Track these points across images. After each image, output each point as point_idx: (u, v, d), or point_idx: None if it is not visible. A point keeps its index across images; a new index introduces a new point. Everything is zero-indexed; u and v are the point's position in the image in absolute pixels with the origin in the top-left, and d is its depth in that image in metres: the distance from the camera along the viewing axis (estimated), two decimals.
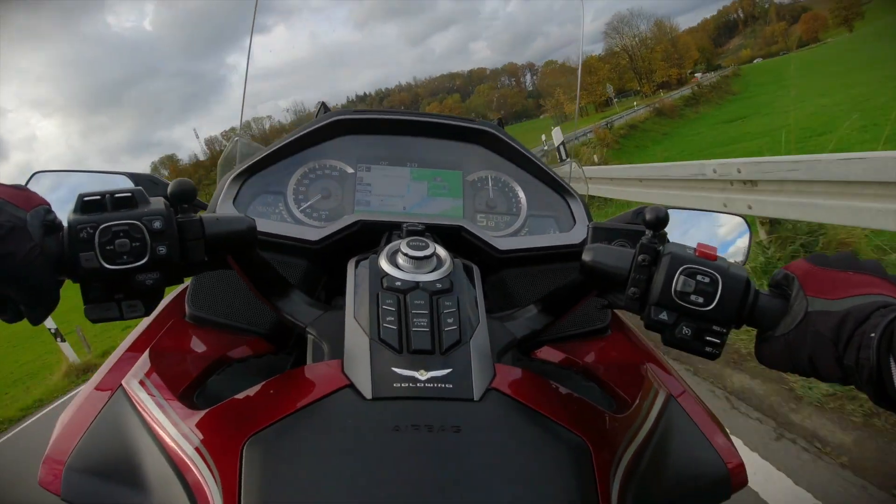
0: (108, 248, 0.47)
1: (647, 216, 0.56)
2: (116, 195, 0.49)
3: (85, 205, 0.48)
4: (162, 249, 0.49)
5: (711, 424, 0.67)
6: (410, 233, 0.68)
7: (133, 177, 1.01)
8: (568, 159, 1.14)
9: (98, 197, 0.48)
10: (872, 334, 0.44)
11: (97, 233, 0.47)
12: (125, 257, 0.48)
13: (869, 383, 0.44)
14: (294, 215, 0.88)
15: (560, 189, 0.95)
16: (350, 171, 0.91)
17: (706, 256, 0.53)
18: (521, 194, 0.95)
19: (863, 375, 0.44)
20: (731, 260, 0.55)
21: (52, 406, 6.41)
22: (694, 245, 0.55)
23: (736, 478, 0.62)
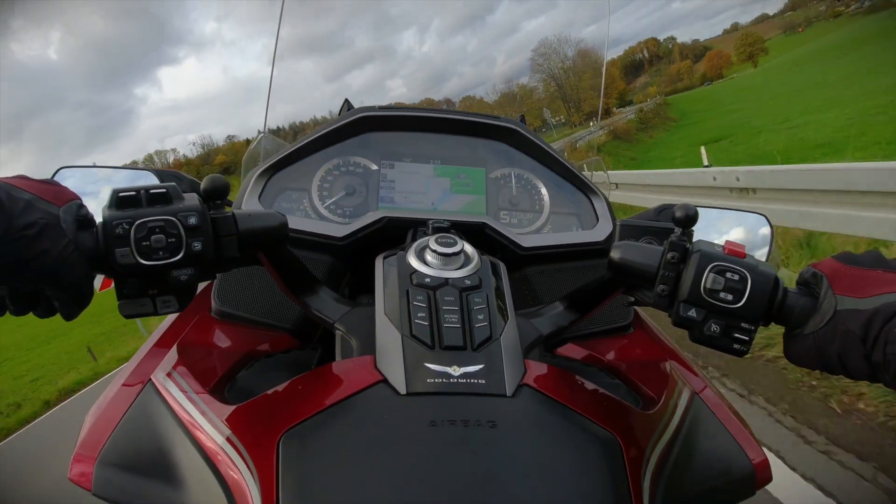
0: (143, 243, 0.47)
1: (677, 214, 0.56)
2: (152, 191, 0.49)
3: (120, 200, 0.48)
4: (197, 245, 0.49)
5: (735, 421, 0.67)
6: (437, 230, 0.68)
7: (158, 173, 1.03)
8: (593, 157, 1.15)
9: (133, 193, 0.48)
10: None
11: (133, 228, 0.47)
12: (161, 253, 0.48)
13: (893, 377, 0.44)
14: (319, 211, 0.89)
15: (583, 186, 0.94)
16: (374, 167, 0.92)
17: (735, 254, 0.53)
18: (544, 191, 0.95)
19: (890, 371, 0.44)
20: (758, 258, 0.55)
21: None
22: (720, 243, 0.55)
23: (760, 474, 0.62)
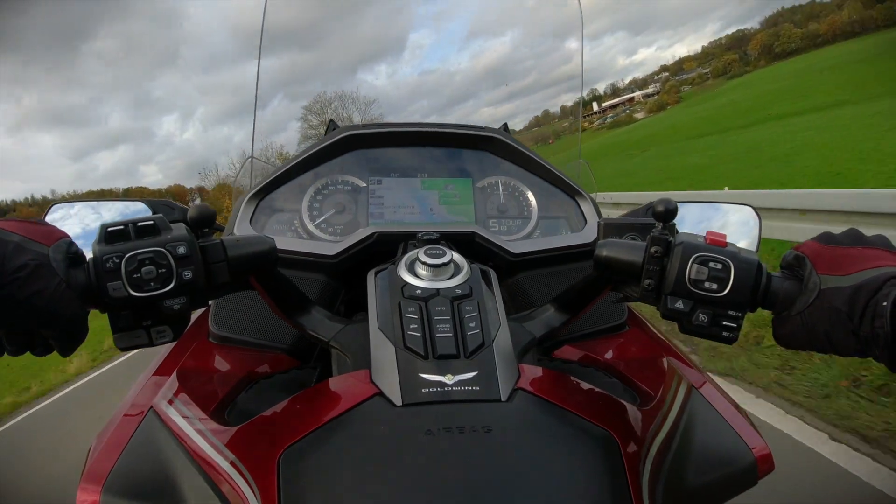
0: (134, 276, 0.48)
1: (658, 208, 0.57)
2: (139, 224, 0.50)
3: (109, 235, 0.49)
4: (187, 274, 0.50)
5: (735, 413, 0.67)
6: (426, 242, 0.69)
7: (150, 203, 1.04)
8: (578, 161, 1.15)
9: (121, 226, 0.49)
10: (885, 303, 0.45)
11: (123, 262, 0.48)
12: (152, 284, 0.48)
13: (885, 352, 0.45)
14: (310, 231, 0.89)
15: (570, 190, 0.96)
16: (362, 184, 0.93)
17: (716, 243, 0.54)
18: (532, 197, 0.96)
19: (879, 345, 0.45)
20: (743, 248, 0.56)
21: None
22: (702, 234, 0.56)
23: (762, 464, 0.62)
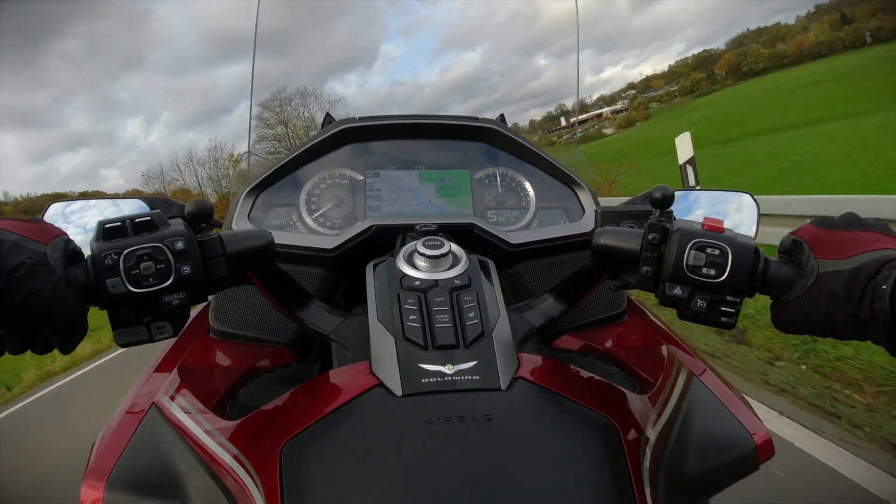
0: (133, 272, 0.48)
1: (655, 195, 0.57)
2: (137, 220, 0.49)
3: (107, 232, 0.49)
4: (186, 269, 0.50)
5: (735, 399, 0.67)
6: (424, 233, 0.69)
7: (147, 200, 1.03)
8: (577, 150, 1.15)
9: (119, 223, 0.49)
10: (884, 286, 0.44)
11: (121, 258, 0.47)
12: (151, 279, 0.48)
13: (885, 334, 0.45)
14: (308, 225, 0.89)
15: (567, 180, 0.95)
16: (360, 177, 0.93)
17: (714, 229, 0.53)
18: (529, 188, 0.96)
19: (879, 328, 0.45)
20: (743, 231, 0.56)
21: None
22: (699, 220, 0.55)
23: (763, 449, 0.62)
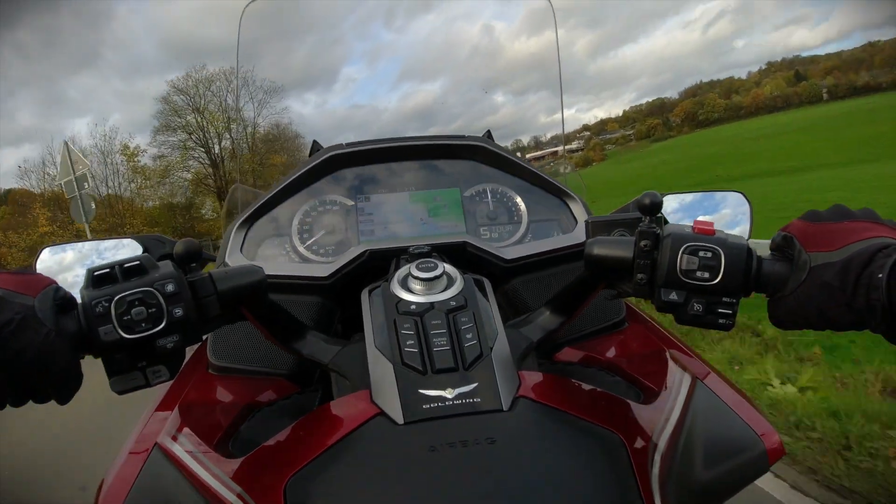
0: (125, 318, 0.47)
1: (644, 202, 0.57)
2: (126, 265, 0.49)
3: (96, 279, 0.48)
4: (178, 311, 0.49)
5: (740, 401, 0.67)
6: (417, 256, 0.69)
7: (139, 239, 1.03)
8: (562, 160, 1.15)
9: (108, 269, 0.49)
10: (880, 275, 0.44)
11: (112, 305, 0.47)
12: (143, 324, 0.48)
13: (883, 323, 0.45)
14: (301, 254, 0.89)
15: (558, 191, 0.96)
16: (350, 203, 0.93)
17: (704, 232, 0.53)
18: (520, 202, 0.96)
19: (876, 317, 0.45)
20: (737, 234, 0.55)
21: None
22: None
23: (772, 449, 0.61)
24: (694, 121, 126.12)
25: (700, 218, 0.55)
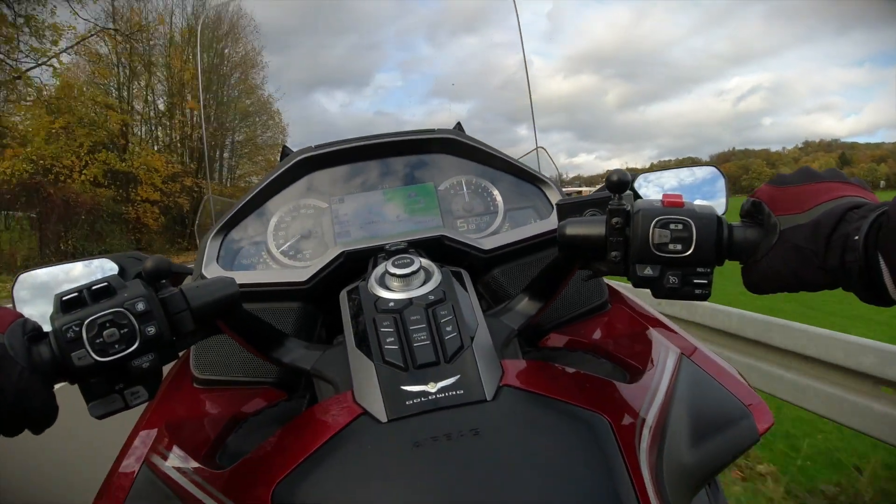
0: (97, 341, 0.46)
1: (611, 178, 0.57)
2: (93, 287, 0.48)
3: (65, 304, 0.47)
4: (151, 330, 0.48)
5: (727, 373, 0.67)
6: (394, 253, 0.68)
7: (114, 258, 1.02)
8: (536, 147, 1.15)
9: (76, 293, 0.48)
10: (857, 237, 0.45)
11: (83, 328, 0.46)
12: (117, 346, 0.47)
13: (859, 283, 0.46)
14: (279, 260, 0.88)
15: (532, 178, 0.96)
16: (324, 205, 0.92)
17: (674, 204, 0.54)
18: (495, 191, 0.96)
19: (852, 277, 0.46)
20: (716, 209, 0.56)
21: None
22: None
23: (760, 418, 0.62)
24: (736, 185, 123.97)
25: (668, 192, 0.55)
